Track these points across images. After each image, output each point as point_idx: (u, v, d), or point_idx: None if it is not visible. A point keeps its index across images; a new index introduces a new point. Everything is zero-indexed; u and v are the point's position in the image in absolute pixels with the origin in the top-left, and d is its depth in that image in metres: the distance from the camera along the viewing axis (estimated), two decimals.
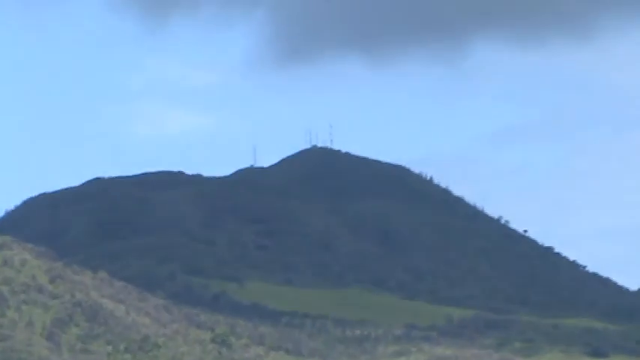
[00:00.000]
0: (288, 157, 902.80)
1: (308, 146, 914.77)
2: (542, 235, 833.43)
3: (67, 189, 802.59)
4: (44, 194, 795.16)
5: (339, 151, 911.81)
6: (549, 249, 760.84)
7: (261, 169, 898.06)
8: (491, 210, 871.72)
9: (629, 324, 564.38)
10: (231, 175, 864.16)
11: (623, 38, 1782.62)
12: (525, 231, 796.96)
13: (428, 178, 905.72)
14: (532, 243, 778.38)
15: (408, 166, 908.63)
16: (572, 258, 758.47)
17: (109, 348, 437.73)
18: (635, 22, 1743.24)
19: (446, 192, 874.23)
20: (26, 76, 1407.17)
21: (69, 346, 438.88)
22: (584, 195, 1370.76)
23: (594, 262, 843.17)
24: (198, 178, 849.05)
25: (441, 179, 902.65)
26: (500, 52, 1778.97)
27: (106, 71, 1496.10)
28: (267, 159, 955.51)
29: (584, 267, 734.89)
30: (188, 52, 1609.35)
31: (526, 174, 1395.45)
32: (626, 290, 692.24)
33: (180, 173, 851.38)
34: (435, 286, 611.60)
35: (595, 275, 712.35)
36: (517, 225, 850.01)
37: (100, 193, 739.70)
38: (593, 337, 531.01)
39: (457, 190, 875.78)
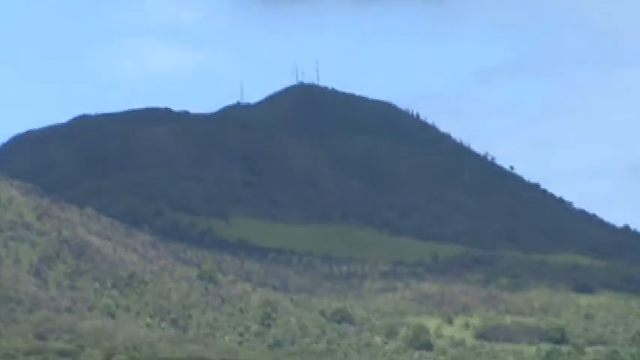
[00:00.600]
0: (275, 93, 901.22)
1: (294, 83, 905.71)
2: (528, 172, 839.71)
3: (53, 125, 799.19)
4: (31, 131, 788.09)
5: (325, 87, 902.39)
6: (536, 186, 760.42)
7: (248, 105, 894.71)
8: (478, 147, 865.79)
9: (615, 260, 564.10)
10: (218, 111, 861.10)
11: None
12: (512, 167, 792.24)
13: (414, 115, 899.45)
14: (519, 180, 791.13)
15: (394, 102, 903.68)
16: (558, 195, 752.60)
17: (96, 285, 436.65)
18: None
19: (432, 129, 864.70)
20: (13, 16, 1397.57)
21: (56, 283, 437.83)
22: (571, 132, 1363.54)
23: (580, 199, 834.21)
24: (185, 115, 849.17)
25: (428, 116, 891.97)
26: None
27: (92, 9, 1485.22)
28: (254, 95, 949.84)
29: (571, 203, 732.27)
30: None
31: (513, 111, 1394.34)
32: (612, 227, 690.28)
33: (167, 110, 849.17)
34: (421, 222, 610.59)
35: (581, 212, 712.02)
36: (503, 162, 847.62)
37: (87, 130, 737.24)
38: (578, 273, 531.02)
39: (444, 127, 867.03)
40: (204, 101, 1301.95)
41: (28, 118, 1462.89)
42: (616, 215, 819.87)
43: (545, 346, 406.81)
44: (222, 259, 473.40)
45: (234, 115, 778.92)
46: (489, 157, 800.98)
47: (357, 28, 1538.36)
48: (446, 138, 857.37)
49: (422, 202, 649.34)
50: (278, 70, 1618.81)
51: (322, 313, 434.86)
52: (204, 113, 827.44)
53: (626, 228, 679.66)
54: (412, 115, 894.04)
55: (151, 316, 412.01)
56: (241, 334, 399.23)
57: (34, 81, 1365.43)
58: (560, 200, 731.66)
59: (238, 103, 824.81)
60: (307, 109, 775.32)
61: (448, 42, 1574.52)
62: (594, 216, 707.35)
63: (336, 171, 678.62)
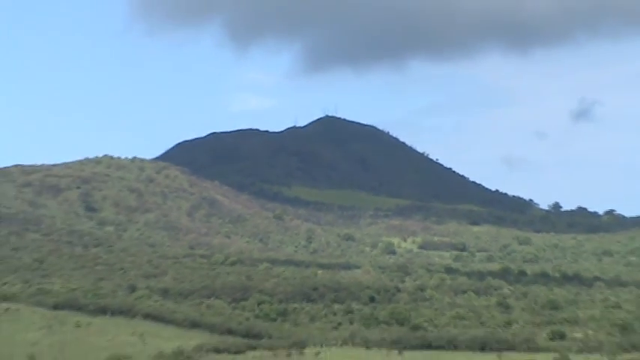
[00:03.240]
0: (313, 120, 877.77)
1: (323, 115, 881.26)
2: (447, 162, 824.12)
3: (198, 138, 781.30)
4: (185, 141, 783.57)
5: (340, 118, 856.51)
6: (450, 169, 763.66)
7: (300, 127, 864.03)
8: (421, 149, 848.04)
9: (491, 208, 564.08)
10: (284, 130, 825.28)
11: None
12: (437, 159, 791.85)
13: (389, 133, 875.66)
14: (440, 166, 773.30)
15: (377, 125, 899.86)
16: (461, 173, 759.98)
17: (220, 220, 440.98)
18: None
19: (399, 142, 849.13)
20: (179, 76, 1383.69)
21: (199, 219, 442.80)
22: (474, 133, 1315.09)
23: (474, 175, 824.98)
24: (267, 133, 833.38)
25: (398, 135, 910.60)
26: None
27: (226, 73, 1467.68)
28: (302, 121, 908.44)
29: (468, 178, 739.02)
30: None
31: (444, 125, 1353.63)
32: (489, 190, 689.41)
33: (257, 130, 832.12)
34: (389, 188, 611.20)
35: (474, 182, 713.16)
36: (433, 156, 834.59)
37: (216, 140, 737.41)
38: (473, 215, 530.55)
39: (408, 141, 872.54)
40: (276, 125, 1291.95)
41: (183, 133, 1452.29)
42: (492, 184, 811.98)
43: (455, 253, 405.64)
44: (286, 208, 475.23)
45: (292, 132, 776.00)
46: (426, 154, 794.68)
47: (357, 85, 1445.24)
48: (406, 147, 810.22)
49: (391, 178, 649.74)
50: (314, 107, 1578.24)
51: (338, 235, 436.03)
52: (277, 131, 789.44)
53: (497, 191, 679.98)
54: (388, 133, 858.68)
55: (248, 237, 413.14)
56: (296, 247, 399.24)
57: (188, 111, 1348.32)
58: (463, 176, 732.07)
59: (294, 125, 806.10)
60: (331, 128, 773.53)
61: None
62: (480, 185, 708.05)
63: (346, 161, 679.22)
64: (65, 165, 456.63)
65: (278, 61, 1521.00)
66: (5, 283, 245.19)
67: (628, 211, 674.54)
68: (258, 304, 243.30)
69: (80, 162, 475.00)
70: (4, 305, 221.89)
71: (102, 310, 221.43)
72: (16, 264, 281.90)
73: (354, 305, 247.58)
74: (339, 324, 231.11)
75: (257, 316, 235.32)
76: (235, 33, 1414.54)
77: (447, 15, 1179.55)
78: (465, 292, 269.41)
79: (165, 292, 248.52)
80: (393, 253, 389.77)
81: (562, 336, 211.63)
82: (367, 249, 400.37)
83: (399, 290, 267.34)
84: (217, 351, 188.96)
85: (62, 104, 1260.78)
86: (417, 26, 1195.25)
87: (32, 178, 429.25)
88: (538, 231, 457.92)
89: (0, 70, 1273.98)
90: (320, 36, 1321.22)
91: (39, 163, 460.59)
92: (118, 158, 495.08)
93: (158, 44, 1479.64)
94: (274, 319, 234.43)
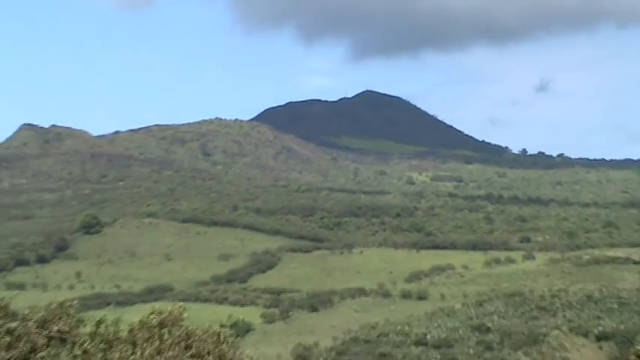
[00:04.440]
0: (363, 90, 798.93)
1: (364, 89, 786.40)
2: (447, 118, 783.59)
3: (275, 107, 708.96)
4: (271, 108, 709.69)
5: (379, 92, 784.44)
6: (451, 125, 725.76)
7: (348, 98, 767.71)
8: (432, 111, 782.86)
9: (479, 152, 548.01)
10: (355, 95, 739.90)
11: None
12: (435, 115, 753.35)
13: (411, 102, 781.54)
14: (442, 122, 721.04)
15: (405, 97, 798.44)
16: (459, 128, 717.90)
17: (294, 162, 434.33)
18: None
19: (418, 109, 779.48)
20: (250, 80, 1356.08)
21: (280, 161, 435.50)
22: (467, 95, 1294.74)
23: (467, 129, 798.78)
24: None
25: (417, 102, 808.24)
26: None
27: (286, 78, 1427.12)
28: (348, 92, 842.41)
29: (463, 131, 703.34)
30: None
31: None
32: (478, 140, 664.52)
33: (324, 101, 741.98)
34: (410, 139, 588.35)
35: (467, 134, 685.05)
36: (432, 111, 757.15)
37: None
38: (467, 157, 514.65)
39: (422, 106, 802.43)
40: (333, 96, 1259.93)
41: (269, 101, 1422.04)
42: (480, 136, 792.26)
43: (455, 183, 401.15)
44: (339, 153, 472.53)
45: (344, 101, 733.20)
46: (435, 116, 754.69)
47: (387, 69, 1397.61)
48: (421, 111, 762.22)
49: (411, 132, 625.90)
50: (358, 84, 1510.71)
51: (375, 171, 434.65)
52: (333, 100, 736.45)
53: (483, 141, 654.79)
54: (409, 102, 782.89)
55: (314, 173, 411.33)
56: (346, 179, 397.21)
57: (273, 87, 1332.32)
58: (460, 131, 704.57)
59: (345, 97, 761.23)
60: (370, 98, 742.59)
61: None
62: (472, 136, 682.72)
63: (380, 121, 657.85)
64: (188, 124, 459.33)
65: (334, 52, 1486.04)
66: (149, 205, 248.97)
67: (573, 154, 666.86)
68: (321, 218, 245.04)
69: (198, 122, 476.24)
70: (148, 220, 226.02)
71: (214, 223, 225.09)
72: (156, 192, 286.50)
73: (386, 219, 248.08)
74: (376, 232, 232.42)
75: (320, 227, 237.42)
76: (304, 32, 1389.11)
77: (447, 17, 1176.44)
78: (461, 210, 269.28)
79: (257, 210, 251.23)
80: (413, 183, 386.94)
81: (528, 239, 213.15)
82: (395, 181, 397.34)
83: (416, 209, 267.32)
84: (293, 250, 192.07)
85: (191, 81, 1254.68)
86: (427, 26, 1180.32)
87: (166, 134, 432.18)
88: (511, 168, 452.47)
89: (151, 50, 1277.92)
90: (362, 34, 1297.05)
91: (170, 123, 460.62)
92: (225, 119, 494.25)
93: (252, 40, 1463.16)
94: (332, 229, 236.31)
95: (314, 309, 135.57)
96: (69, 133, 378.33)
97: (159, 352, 14.01)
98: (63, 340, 14.03)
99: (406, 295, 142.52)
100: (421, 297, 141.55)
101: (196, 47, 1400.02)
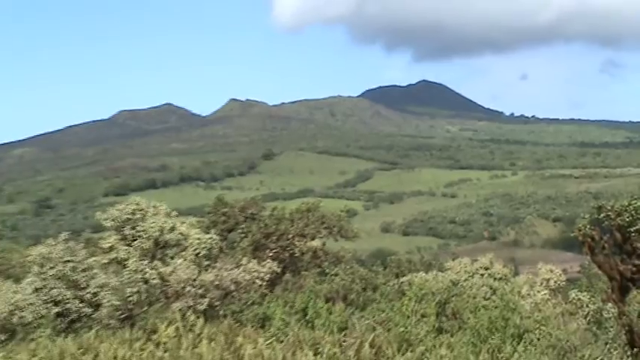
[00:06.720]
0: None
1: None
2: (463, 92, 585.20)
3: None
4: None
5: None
6: (465, 97, 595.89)
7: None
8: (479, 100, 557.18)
9: (482, 113, 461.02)
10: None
11: None
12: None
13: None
14: (459, 94, 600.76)
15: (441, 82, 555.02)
16: (470, 98, 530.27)
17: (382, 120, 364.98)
18: None
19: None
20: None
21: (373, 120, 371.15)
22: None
23: (477, 98, 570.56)
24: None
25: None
26: None
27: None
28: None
29: (474, 100, 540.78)
30: None
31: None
32: (482, 105, 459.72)
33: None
34: (442, 104, 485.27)
35: (475, 102, 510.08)
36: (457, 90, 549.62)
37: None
38: (475, 116, 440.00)
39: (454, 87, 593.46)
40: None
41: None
42: (484, 103, 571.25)
43: None
44: (405, 116, 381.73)
45: (407, 88, 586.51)
46: (455, 90, 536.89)
47: (435, 67, 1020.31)
48: (449, 89, 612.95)
49: (443, 102, 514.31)
50: (417, 76, 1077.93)
51: (428, 125, 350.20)
52: (402, 86, 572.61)
53: (484, 106, 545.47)
54: (442, 84, 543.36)
55: (394, 126, 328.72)
56: (413, 130, 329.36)
57: (360, 81, 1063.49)
58: (470, 100, 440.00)
59: (409, 84, 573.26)
60: (424, 85, 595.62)
61: None
62: (478, 103, 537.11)
63: (429, 96, 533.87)
64: (323, 99, 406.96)
65: (404, 56, 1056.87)
66: (300, 144, 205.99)
67: (535, 113, 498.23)
68: (397, 151, 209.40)
69: (327, 97, 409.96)
70: (301, 152, 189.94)
71: (338, 154, 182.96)
72: (304, 136, 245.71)
73: (433, 152, 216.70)
74: (427, 159, 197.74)
75: (395, 156, 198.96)
76: (388, 45, 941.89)
77: (461, 30, 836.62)
78: (475, 147, 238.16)
79: (361, 147, 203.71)
80: (449, 132, 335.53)
81: (514, 164, 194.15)
82: (439, 130, 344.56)
83: (450, 146, 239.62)
84: (381, 169, 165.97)
85: (325, 75, 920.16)
86: (453, 38, 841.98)
87: (310, 105, 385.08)
88: (504, 124, 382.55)
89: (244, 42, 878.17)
90: (422, 42, 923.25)
91: (312, 97, 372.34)
92: (342, 96, 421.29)
93: (358, 49, 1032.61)
94: (403, 157, 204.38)
95: (392, 202, 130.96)
96: (253, 104, 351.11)
97: (306, 225, 14.35)
98: (253, 219, 14.55)
99: (444, 195, 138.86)
100: (453, 196, 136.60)
101: (285, 43, 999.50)
